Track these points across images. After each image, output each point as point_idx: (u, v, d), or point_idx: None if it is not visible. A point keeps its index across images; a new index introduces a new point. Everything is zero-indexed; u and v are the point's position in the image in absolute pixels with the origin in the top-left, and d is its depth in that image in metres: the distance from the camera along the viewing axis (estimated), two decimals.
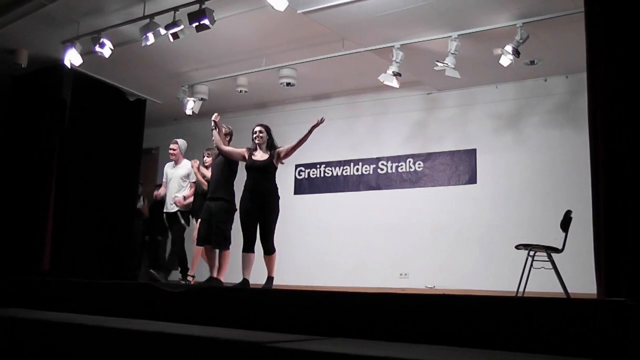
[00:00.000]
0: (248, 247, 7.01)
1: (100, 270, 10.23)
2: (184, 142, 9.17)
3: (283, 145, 7.27)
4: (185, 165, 8.84)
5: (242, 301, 5.59)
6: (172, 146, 9.01)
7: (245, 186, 7.16)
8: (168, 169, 9.05)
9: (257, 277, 7.24)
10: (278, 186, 7.22)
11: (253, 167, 7.13)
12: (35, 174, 9.86)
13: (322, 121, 7.16)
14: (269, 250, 7.07)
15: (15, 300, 7.29)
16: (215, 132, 7.50)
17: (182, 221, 8.76)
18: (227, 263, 7.41)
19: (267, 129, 7.36)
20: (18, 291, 7.63)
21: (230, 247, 7.45)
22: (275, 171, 7.22)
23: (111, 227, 10.65)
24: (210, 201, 7.47)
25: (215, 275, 7.50)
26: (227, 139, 7.81)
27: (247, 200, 7.05)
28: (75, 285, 7.35)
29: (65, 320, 5.26)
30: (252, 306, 5.43)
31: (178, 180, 8.80)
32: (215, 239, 7.33)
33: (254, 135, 7.33)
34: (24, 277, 8.62)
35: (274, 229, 7.09)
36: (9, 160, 10.25)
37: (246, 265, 7.02)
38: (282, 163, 7.39)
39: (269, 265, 7.15)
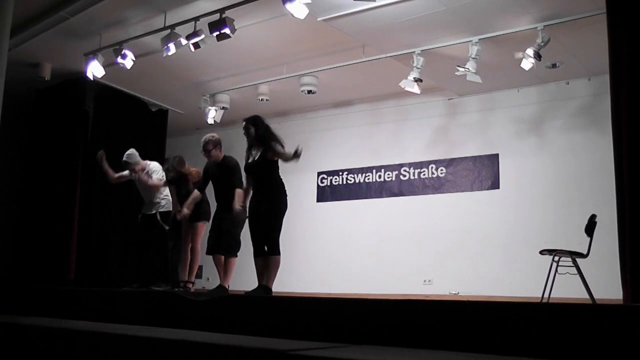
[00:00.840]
0: (256, 252, 6.59)
1: (124, 279, 10.30)
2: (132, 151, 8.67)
3: (279, 144, 6.55)
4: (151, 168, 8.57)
5: (266, 309, 5.59)
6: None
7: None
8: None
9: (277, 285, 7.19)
10: (282, 181, 6.59)
11: (247, 170, 6.69)
12: (60, 185, 9.97)
13: (300, 152, 6.27)
14: (271, 249, 6.43)
15: (41, 309, 7.35)
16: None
17: (161, 223, 8.36)
18: (232, 270, 7.25)
19: (254, 121, 6.76)
20: (44, 300, 7.70)
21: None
22: (271, 165, 6.51)
23: (135, 236, 10.70)
24: (222, 212, 7.23)
25: (226, 284, 7.34)
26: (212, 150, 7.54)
27: (252, 204, 6.64)
28: (100, 294, 7.40)
29: (89, 328, 5.30)
30: (276, 314, 5.43)
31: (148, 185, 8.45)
32: (224, 245, 7.17)
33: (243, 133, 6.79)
34: (50, 286, 8.70)
35: (278, 229, 6.47)
36: (34, 172, 10.38)
37: (268, 270, 6.53)
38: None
39: (267, 269, 6.51)
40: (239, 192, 6.83)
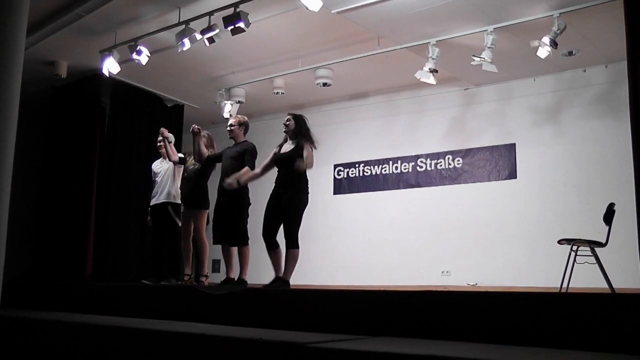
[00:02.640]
0: (269, 245, 6.67)
1: (141, 274, 10.38)
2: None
3: (312, 144, 6.81)
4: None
5: (284, 302, 5.60)
6: (168, 142, 8.55)
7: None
8: (156, 166, 8.66)
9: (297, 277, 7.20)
10: (307, 177, 6.76)
11: (277, 160, 6.84)
12: (77, 182, 10.04)
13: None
14: (289, 243, 6.54)
15: (60, 304, 7.42)
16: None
17: (174, 217, 8.31)
18: (248, 260, 7.25)
19: (296, 118, 7.00)
20: (62, 295, 7.77)
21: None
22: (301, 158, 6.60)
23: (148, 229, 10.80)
24: (222, 196, 7.34)
25: (232, 275, 7.28)
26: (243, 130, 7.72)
27: (273, 196, 6.75)
28: (117, 289, 7.46)
29: (107, 323, 5.34)
30: (294, 307, 5.45)
31: (170, 173, 8.43)
32: (236, 235, 7.18)
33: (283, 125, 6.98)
34: (68, 282, 8.77)
35: (296, 222, 6.57)
36: (52, 169, 10.46)
37: (277, 262, 6.72)
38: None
39: (285, 262, 6.61)
40: (247, 169, 7.07)
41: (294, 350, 3.77)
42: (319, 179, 10.70)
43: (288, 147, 6.83)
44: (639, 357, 3.43)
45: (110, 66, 8.91)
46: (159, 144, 8.60)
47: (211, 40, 7.90)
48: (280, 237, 6.73)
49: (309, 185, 6.72)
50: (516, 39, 8.14)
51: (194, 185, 7.95)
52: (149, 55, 8.61)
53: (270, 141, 12.02)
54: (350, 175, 11.04)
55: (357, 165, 11.07)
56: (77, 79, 10.24)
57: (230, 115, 10.43)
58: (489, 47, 7.83)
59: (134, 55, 8.54)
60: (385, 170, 10.74)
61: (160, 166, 8.61)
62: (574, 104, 9.21)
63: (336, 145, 11.23)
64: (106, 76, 9.25)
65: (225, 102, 10.40)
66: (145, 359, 4.70)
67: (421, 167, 10.40)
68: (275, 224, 6.62)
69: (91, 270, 9.82)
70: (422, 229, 10.08)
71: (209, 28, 7.76)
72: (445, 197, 10.06)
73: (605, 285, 6.67)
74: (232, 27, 7.46)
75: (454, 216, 9.85)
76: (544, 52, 7.70)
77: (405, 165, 10.56)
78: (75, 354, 5.23)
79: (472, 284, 9.27)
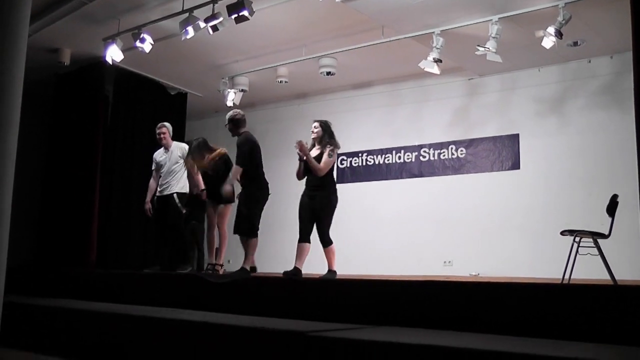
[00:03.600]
0: (301, 238, 6.99)
1: (144, 262, 10.41)
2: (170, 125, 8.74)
3: (333, 153, 7.15)
4: (178, 147, 8.62)
5: (285, 291, 5.62)
6: (161, 130, 8.55)
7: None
8: (158, 156, 8.58)
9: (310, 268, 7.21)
10: (334, 178, 7.28)
11: (305, 166, 7.13)
12: (80, 169, 10.06)
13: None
14: (323, 242, 7.04)
15: (64, 292, 7.45)
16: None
17: (179, 205, 8.30)
18: (252, 251, 7.34)
19: (322, 125, 7.30)
20: (66, 283, 7.80)
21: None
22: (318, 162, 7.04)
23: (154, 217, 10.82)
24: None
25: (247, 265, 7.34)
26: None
27: (303, 195, 7.16)
28: (120, 277, 7.48)
29: (110, 310, 5.36)
30: (297, 296, 5.46)
31: (173, 163, 8.42)
32: (241, 227, 7.28)
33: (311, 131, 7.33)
34: (72, 269, 8.80)
35: (328, 222, 7.07)
36: (55, 156, 10.47)
37: (299, 254, 6.96)
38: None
39: (327, 257, 7.13)
40: (236, 169, 7.22)
41: (295, 338, 3.79)
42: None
43: (315, 152, 7.15)
44: None
45: (114, 54, 8.89)
46: (158, 136, 8.54)
47: (215, 28, 7.87)
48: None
49: (336, 186, 7.20)
50: (521, 29, 8.10)
51: (217, 180, 7.83)
52: (153, 43, 8.60)
53: (274, 129, 12.12)
54: (354, 165, 11.03)
55: (360, 155, 11.06)
56: (81, 67, 10.24)
57: (234, 103, 10.45)
58: (493, 37, 7.80)
59: (138, 43, 8.52)
60: (388, 160, 10.73)
61: (163, 157, 8.52)
62: (579, 95, 9.18)
63: (339, 135, 11.08)
64: (109, 64, 9.23)
65: (229, 90, 10.40)
66: (147, 347, 4.72)
67: (424, 157, 10.38)
68: (309, 224, 7.02)
69: (94, 258, 9.85)
70: (425, 219, 10.08)
71: (213, 16, 7.74)
72: (448, 187, 10.05)
73: (608, 277, 6.66)
74: (236, 15, 7.44)
75: (456, 206, 9.85)
76: (549, 42, 7.67)
77: (408, 155, 10.54)
78: (78, 340, 5.26)
79: (474, 274, 9.27)
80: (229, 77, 10.52)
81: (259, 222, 7.42)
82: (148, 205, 8.44)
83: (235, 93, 10.41)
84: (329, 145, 7.14)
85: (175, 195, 8.26)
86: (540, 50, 7.98)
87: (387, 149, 10.72)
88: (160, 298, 6.38)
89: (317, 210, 6.99)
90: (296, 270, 6.76)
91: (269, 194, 7.58)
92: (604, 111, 8.88)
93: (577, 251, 6.73)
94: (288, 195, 11.24)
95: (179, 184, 8.35)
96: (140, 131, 10.82)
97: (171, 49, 9.39)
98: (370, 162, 10.94)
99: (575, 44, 8.60)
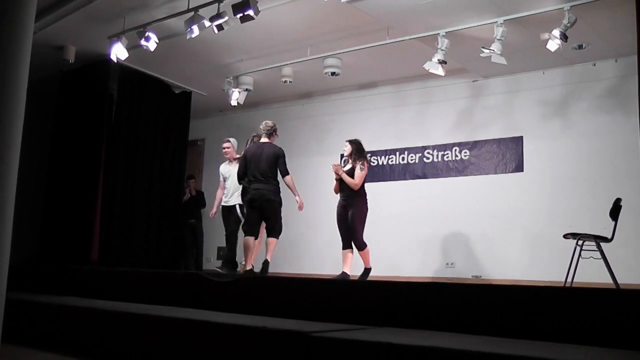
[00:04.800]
0: (343, 246, 7.95)
1: (146, 260, 10.43)
2: (235, 140, 9.28)
3: (364, 166, 7.97)
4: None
5: (289, 291, 5.62)
6: (225, 144, 9.13)
7: None
8: (224, 168, 9.11)
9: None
10: (365, 190, 8.01)
11: (339, 179, 8.00)
12: (84, 167, 10.07)
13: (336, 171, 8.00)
14: (357, 246, 7.91)
15: (66, 289, 7.46)
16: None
17: (240, 215, 8.79)
18: (271, 248, 7.97)
19: (352, 143, 8.20)
20: (68, 280, 7.81)
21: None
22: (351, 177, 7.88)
23: (158, 217, 10.85)
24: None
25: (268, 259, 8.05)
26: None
27: (338, 205, 8.01)
28: (122, 275, 7.49)
29: (112, 308, 5.36)
30: (298, 295, 5.46)
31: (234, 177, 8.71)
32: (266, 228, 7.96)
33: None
34: (75, 266, 8.81)
35: (359, 228, 7.87)
36: (59, 153, 10.49)
37: (343, 260, 7.95)
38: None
39: (363, 259, 8.03)
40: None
41: (297, 338, 3.79)
42: (325, 168, 10.71)
43: (347, 167, 8.05)
44: None
45: (119, 52, 8.90)
46: (223, 150, 9.16)
47: (220, 27, 7.88)
48: None
49: (366, 196, 8.02)
50: (526, 31, 8.10)
51: None
52: (158, 41, 8.61)
53: (279, 130, 12.03)
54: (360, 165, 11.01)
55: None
56: (85, 64, 10.26)
57: (238, 103, 10.45)
58: (498, 39, 7.79)
59: (143, 42, 8.53)
60: (392, 161, 10.72)
61: (228, 170, 9.04)
62: (583, 98, 9.17)
63: (343, 135, 11.16)
64: (114, 62, 9.26)
65: (233, 89, 10.40)
66: (149, 345, 4.72)
67: (428, 158, 10.38)
68: (346, 233, 7.92)
69: (97, 255, 9.86)
70: (428, 221, 10.08)
71: (218, 15, 7.75)
72: (451, 189, 10.04)
73: (610, 281, 6.66)
74: (241, 14, 7.45)
75: (459, 208, 9.84)
76: (554, 45, 7.65)
77: (412, 156, 10.54)
78: (80, 338, 5.26)
79: (476, 276, 9.27)
80: (233, 76, 10.53)
81: None
82: (213, 212, 9.26)
83: (239, 92, 10.41)
84: (359, 161, 7.96)
85: (237, 206, 8.79)
86: (545, 52, 7.97)
87: (390, 150, 10.72)
88: (163, 296, 6.39)
89: (350, 219, 7.84)
90: (344, 275, 7.81)
91: None
92: (608, 114, 8.87)
93: (579, 254, 6.74)
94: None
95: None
96: (144, 130, 10.85)
97: (176, 47, 9.40)
98: (373, 162, 10.92)
99: (580, 47, 8.60)
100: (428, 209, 10.14)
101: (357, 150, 8.10)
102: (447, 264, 9.73)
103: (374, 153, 10.96)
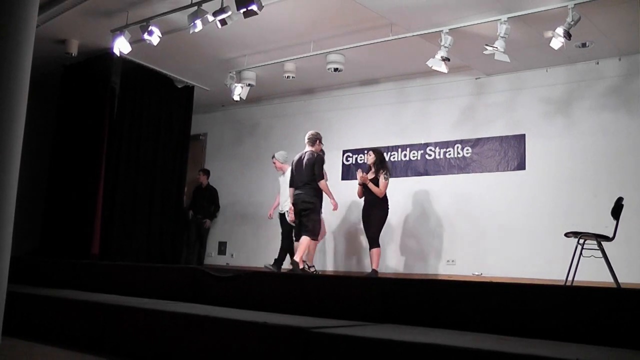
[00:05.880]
0: (370, 245, 8.80)
1: (147, 254, 10.44)
2: (282, 153, 10.02)
3: (387, 176, 8.87)
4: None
5: (290, 287, 5.62)
6: (272, 160, 10.06)
7: None
8: (279, 178, 10.04)
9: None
10: (387, 196, 8.83)
11: (363, 185, 8.87)
12: (86, 160, 10.09)
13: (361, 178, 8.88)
14: (371, 241, 8.79)
15: (67, 282, 7.46)
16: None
17: (288, 219, 9.49)
18: (302, 249, 8.46)
19: (375, 152, 9.09)
20: (69, 273, 7.81)
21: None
22: (376, 186, 8.74)
23: (159, 212, 10.86)
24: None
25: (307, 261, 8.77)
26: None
27: (364, 209, 8.94)
28: (124, 269, 7.49)
29: (113, 302, 5.37)
30: (299, 291, 5.46)
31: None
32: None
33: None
34: (75, 260, 8.82)
35: (377, 226, 8.77)
36: (61, 147, 10.49)
37: (371, 258, 8.78)
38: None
39: (372, 258, 8.74)
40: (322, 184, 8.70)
41: (297, 334, 3.79)
42: (328, 164, 10.71)
43: (370, 175, 8.88)
44: None
45: (121, 46, 8.89)
46: (274, 164, 10.04)
47: (223, 22, 7.86)
48: None
49: (388, 202, 8.89)
50: (529, 29, 8.09)
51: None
52: (161, 35, 8.59)
53: (280, 124, 12.15)
54: (359, 161, 11.01)
55: (365, 152, 11.03)
56: (88, 58, 10.25)
57: (240, 98, 10.44)
58: (502, 37, 7.78)
59: (146, 36, 8.52)
60: (393, 158, 10.70)
61: (280, 179, 9.96)
62: (586, 96, 9.15)
63: (345, 131, 11.23)
64: (117, 56, 9.24)
65: (236, 84, 10.39)
66: (149, 339, 4.72)
67: (430, 155, 10.37)
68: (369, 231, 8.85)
69: (98, 249, 9.88)
70: (429, 217, 10.08)
71: (222, 10, 7.73)
72: (453, 186, 10.04)
73: (611, 280, 6.66)
74: (244, 9, 7.43)
75: (461, 205, 9.84)
76: (557, 43, 7.64)
77: (414, 153, 10.53)
78: (80, 332, 5.27)
79: (477, 274, 9.27)
80: (236, 71, 10.51)
81: None
82: (270, 213, 10.29)
83: (242, 87, 10.41)
84: (382, 170, 8.81)
85: (286, 213, 9.52)
86: (548, 50, 7.96)
87: (393, 146, 10.70)
88: (163, 291, 6.39)
89: (372, 218, 8.78)
90: (374, 272, 8.62)
91: None
92: (611, 113, 8.86)
93: (581, 253, 6.74)
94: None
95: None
96: (147, 124, 10.85)
97: (179, 42, 9.40)
98: None
99: (584, 45, 8.58)
100: (429, 206, 10.14)
101: (380, 160, 8.95)
102: (448, 261, 9.73)
103: None
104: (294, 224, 9.07)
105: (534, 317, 4.00)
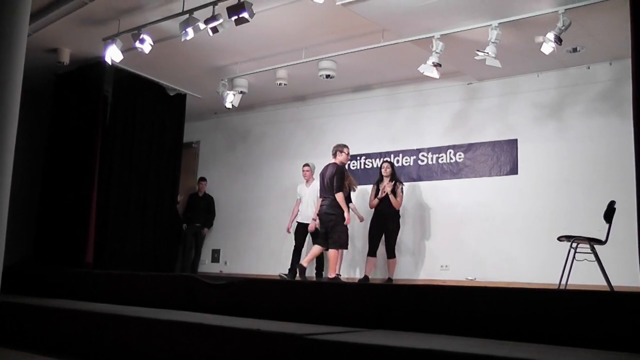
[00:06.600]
0: (369, 252, 9.35)
1: (141, 262, 10.42)
2: (314, 164, 10.37)
3: (402, 189, 9.55)
4: (316, 184, 9.78)
5: (284, 294, 5.62)
6: (305, 168, 10.37)
7: None
8: (300, 187, 10.41)
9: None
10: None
11: (378, 196, 9.47)
12: (79, 169, 10.06)
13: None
14: (391, 253, 9.41)
15: (60, 291, 7.44)
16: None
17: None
18: (333, 260, 8.84)
19: (391, 165, 9.64)
20: (63, 282, 7.79)
21: None
22: (395, 198, 9.36)
23: (153, 220, 10.84)
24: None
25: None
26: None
27: (377, 217, 9.47)
28: (117, 277, 7.47)
29: (107, 311, 5.35)
30: (293, 298, 5.46)
31: (312, 197, 10.04)
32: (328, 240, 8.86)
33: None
34: (69, 268, 8.79)
35: (396, 239, 9.48)
36: (54, 155, 10.47)
37: (389, 267, 9.43)
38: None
39: (390, 267, 9.46)
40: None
41: (291, 341, 3.78)
42: (320, 170, 10.72)
43: (386, 186, 9.38)
44: (637, 355, 3.44)
45: (113, 54, 8.88)
46: (303, 172, 10.40)
47: (215, 30, 7.87)
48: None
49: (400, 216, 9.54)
50: (521, 34, 8.11)
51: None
52: (152, 44, 8.59)
53: (272, 131, 12.15)
54: (352, 168, 11.01)
55: (358, 158, 11.06)
56: (80, 67, 10.24)
57: (233, 105, 10.44)
58: (493, 42, 7.80)
59: (137, 44, 8.52)
60: (382, 161, 10.69)
61: (304, 190, 10.32)
62: (577, 101, 9.18)
63: (337, 138, 11.20)
64: (109, 64, 9.22)
65: (228, 92, 10.38)
66: (143, 348, 4.71)
67: (423, 160, 10.39)
68: (378, 240, 9.39)
69: (91, 258, 9.85)
70: (422, 223, 10.09)
71: (213, 18, 7.74)
72: (446, 192, 10.05)
73: (604, 283, 6.67)
74: (236, 17, 7.43)
75: (454, 210, 9.85)
76: (548, 48, 7.67)
77: (406, 159, 10.55)
78: (74, 342, 5.25)
79: (470, 278, 9.28)
80: (228, 78, 10.51)
81: None
82: (289, 226, 10.39)
83: (234, 95, 10.41)
84: (399, 183, 9.44)
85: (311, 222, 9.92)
86: (539, 55, 7.99)
87: (385, 152, 10.71)
88: (157, 299, 6.38)
89: (390, 231, 9.39)
90: (365, 278, 9.09)
91: None
92: (602, 117, 8.89)
93: (574, 257, 6.75)
94: (287, 197, 11.27)
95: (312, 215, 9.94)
96: (139, 132, 10.84)
97: (171, 50, 9.40)
98: (368, 165, 10.94)
99: (575, 50, 8.62)
100: (422, 211, 10.15)
101: (394, 173, 9.52)
102: (442, 266, 9.73)
103: (368, 156, 10.97)
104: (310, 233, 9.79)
105: (527, 321, 4.01)
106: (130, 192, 10.50)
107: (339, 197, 8.72)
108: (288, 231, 10.40)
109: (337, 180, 8.77)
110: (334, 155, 9.13)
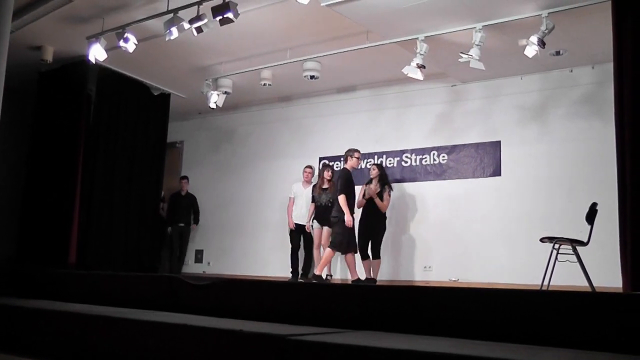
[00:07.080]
0: (362, 255, 9.24)
1: (124, 263, 10.37)
2: (314, 167, 10.67)
3: (389, 192, 9.50)
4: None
5: (265, 294, 5.61)
6: (308, 169, 10.55)
7: None
8: (296, 187, 10.49)
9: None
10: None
11: (365, 197, 9.46)
12: (62, 168, 10.00)
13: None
14: (376, 254, 9.33)
15: (43, 293, 7.39)
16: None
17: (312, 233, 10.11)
18: (351, 263, 9.01)
19: (379, 167, 9.67)
20: (45, 283, 7.73)
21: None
22: (381, 200, 9.35)
23: (136, 219, 10.80)
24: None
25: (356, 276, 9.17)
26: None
27: (363, 219, 9.42)
28: (100, 278, 7.43)
29: (91, 312, 5.32)
30: (276, 299, 5.45)
31: (307, 198, 10.23)
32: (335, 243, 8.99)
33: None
34: (51, 269, 8.73)
35: (381, 241, 9.38)
36: (37, 154, 10.39)
37: (374, 268, 9.30)
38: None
39: (374, 268, 9.32)
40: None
41: (274, 342, 3.78)
42: (300, 171, 10.72)
43: (374, 188, 9.39)
44: (618, 354, 3.47)
45: (97, 53, 8.84)
46: (304, 172, 10.51)
47: (199, 30, 7.85)
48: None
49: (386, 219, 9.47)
50: (504, 37, 8.16)
51: (325, 209, 9.72)
52: (136, 43, 8.56)
53: (257, 132, 12.13)
54: (336, 169, 11.01)
55: (342, 159, 11.05)
56: (63, 65, 10.18)
57: (217, 105, 10.40)
58: (477, 45, 7.84)
59: (121, 43, 8.48)
60: (370, 165, 10.71)
61: (301, 191, 10.40)
62: (560, 104, 9.24)
63: (322, 138, 11.25)
64: (93, 63, 9.17)
65: (212, 92, 10.36)
66: (126, 349, 4.69)
67: (406, 162, 10.41)
68: (367, 243, 9.32)
69: (74, 258, 9.78)
70: (405, 224, 10.12)
71: (198, 17, 7.72)
72: (429, 193, 10.08)
73: (586, 284, 6.72)
74: (220, 17, 7.42)
75: (437, 211, 9.89)
76: (531, 51, 7.72)
77: (390, 160, 10.57)
78: (57, 343, 5.22)
79: (453, 279, 9.31)
80: (212, 78, 10.49)
81: None
82: (292, 225, 10.35)
83: (218, 95, 10.39)
84: (387, 186, 9.41)
85: (307, 225, 10.17)
86: (522, 58, 8.04)
87: (369, 153, 10.71)
88: (141, 299, 6.35)
89: (376, 231, 9.33)
90: (358, 280, 8.99)
91: None
92: (584, 120, 8.95)
93: (556, 258, 6.80)
94: (272, 197, 11.26)
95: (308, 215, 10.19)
96: (123, 131, 10.79)
97: (155, 49, 9.37)
98: None
99: (558, 53, 8.67)
100: (405, 213, 10.17)
101: (384, 175, 9.50)
102: (425, 267, 9.76)
103: None
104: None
105: (510, 322, 4.03)
106: (113, 192, 10.44)
107: (341, 199, 8.84)
108: (291, 227, 10.39)
109: (341, 183, 8.98)
110: (345, 160, 9.46)
